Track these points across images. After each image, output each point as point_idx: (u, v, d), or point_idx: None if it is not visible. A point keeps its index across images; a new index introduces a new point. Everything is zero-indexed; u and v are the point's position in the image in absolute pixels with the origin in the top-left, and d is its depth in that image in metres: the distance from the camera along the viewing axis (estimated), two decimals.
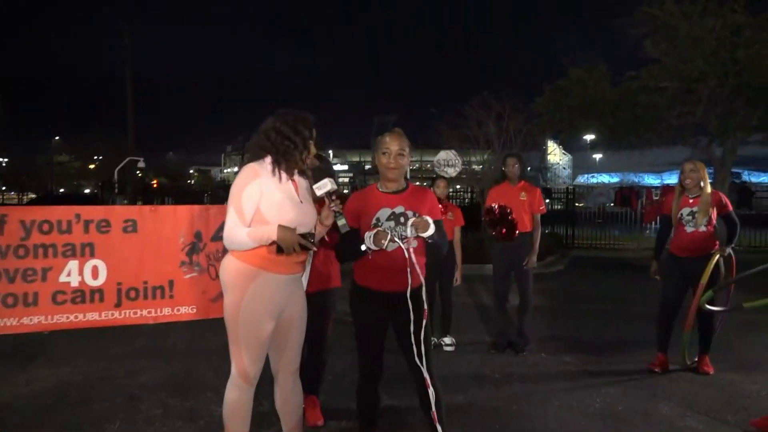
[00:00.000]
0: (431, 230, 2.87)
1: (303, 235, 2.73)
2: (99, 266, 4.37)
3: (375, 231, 2.91)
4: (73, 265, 4.26)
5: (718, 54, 13.14)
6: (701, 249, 4.83)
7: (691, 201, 4.88)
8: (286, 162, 2.84)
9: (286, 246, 2.69)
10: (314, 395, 3.92)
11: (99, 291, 4.38)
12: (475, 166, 16.18)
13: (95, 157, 46.11)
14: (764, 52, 12.54)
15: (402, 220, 3.02)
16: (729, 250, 4.82)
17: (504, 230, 5.20)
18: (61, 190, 47.63)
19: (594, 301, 8.75)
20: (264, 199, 2.76)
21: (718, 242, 4.89)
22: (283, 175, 2.84)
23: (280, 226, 2.69)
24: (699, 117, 14.21)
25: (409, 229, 2.87)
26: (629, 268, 12.78)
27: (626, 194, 17.75)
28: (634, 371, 5.00)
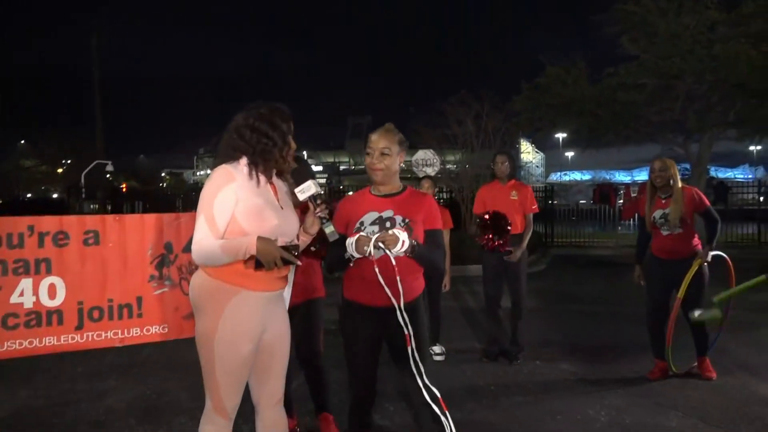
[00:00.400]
0: (400, 246, 2.57)
1: (285, 248, 2.40)
2: (57, 284, 3.91)
3: (356, 236, 2.61)
4: (26, 283, 3.78)
5: (695, 50, 13.11)
6: (681, 251, 4.64)
7: (663, 202, 4.67)
8: (264, 162, 2.51)
9: (266, 261, 2.36)
10: (327, 413, 3.67)
11: (57, 312, 3.91)
12: (449, 166, 15.95)
13: (63, 162, 44.88)
14: (740, 48, 12.54)
15: (388, 225, 2.72)
16: (710, 254, 4.57)
17: (499, 242, 4.94)
18: (29, 195, 46.27)
19: (581, 302, 8.55)
20: (240, 206, 2.42)
21: (699, 242, 4.70)
22: (262, 177, 2.52)
23: (260, 238, 2.36)
24: (677, 113, 14.19)
25: (371, 246, 2.57)
26: (610, 265, 12.68)
27: (605, 191, 17.72)
28: (635, 379, 4.76)
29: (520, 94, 15.76)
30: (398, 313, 2.59)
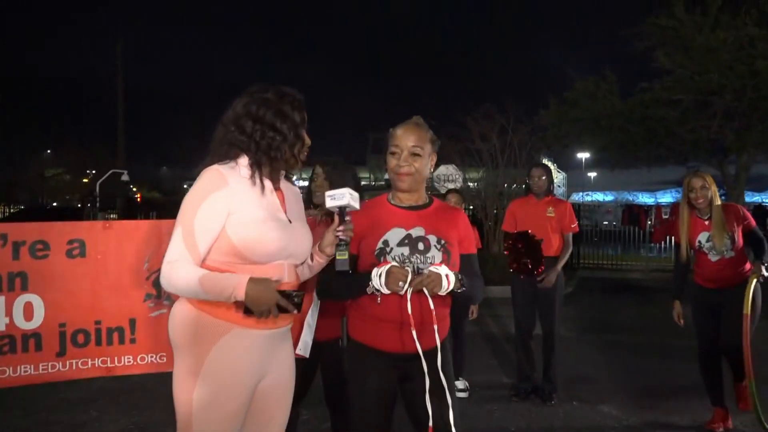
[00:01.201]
0: (445, 285, 2.06)
1: (286, 293, 1.87)
2: (34, 303, 3.33)
3: (388, 266, 2.05)
4: None
5: (736, 66, 12.46)
6: (733, 278, 3.97)
7: (706, 224, 4.03)
8: (270, 163, 2.00)
9: (257, 310, 1.85)
10: None
11: (35, 336, 3.32)
12: (470, 183, 15.38)
13: (88, 171, 45.24)
14: None
15: (421, 247, 2.18)
16: (765, 270, 3.88)
17: (529, 265, 4.38)
18: (54, 204, 46.75)
19: (616, 331, 7.87)
20: (233, 220, 1.91)
21: (748, 263, 4.04)
22: (267, 182, 2.00)
23: (252, 280, 1.84)
24: (714, 132, 13.50)
25: (405, 285, 2.04)
26: (641, 290, 11.97)
27: (635, 213, 16.98)
28: (689, 427, 4.13)
29: (547, 108, 15.21)
30: (425, 366, 2.10)
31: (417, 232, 2.21)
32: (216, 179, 1.92)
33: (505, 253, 4.57)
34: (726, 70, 12.52)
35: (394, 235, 2.19)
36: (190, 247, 1.89)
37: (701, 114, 13.46)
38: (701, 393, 4.27)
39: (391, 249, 2.17)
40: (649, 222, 16.69)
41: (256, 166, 1.98)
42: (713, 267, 4.03)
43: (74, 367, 3.41)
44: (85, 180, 45.85)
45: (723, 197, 16.12)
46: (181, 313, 1.97)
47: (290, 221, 2.05)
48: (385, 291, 2.05)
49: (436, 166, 14.47)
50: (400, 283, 2.02)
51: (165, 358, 3.47)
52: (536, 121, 14.74)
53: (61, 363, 3.34)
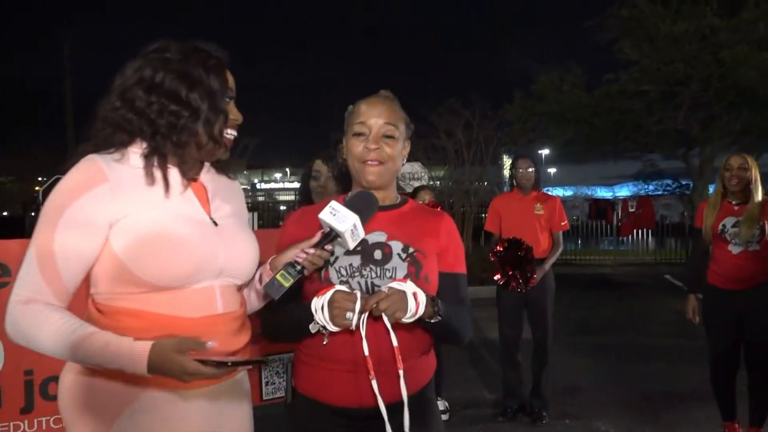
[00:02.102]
0: (412, 311, 1.47)
1: (211, 362, 1.23)
2: None
3: (330, 292, 1.48)
4: None
5: (701, 56, 12.29)
6: (756, 275, 3.43)
7: (736, 209, 3.52)
8: (176, 150, 1.39)
9: (172, 376, 1.25)
10: None
11: None
12: (435, 182, 14.89)
13: (39, 179, 43.31)
14: (749, 53, 11.73)
15: (378, 256, 1.60)
16: None
17: (519, 279, 3.87)
18: (4, 213, 44.68)
19: (598, 332, 7.44)
20: (120, 230, 1.32)
21: None
22: (175, 176, 1.41)
23: (155, 347, 1.23)
24: (680, 123, 13.33)
25: (355, 316, 1.46)
26: (616, 286, 11.72)
27: (601, 207, 16.81)
28: None
29: (512, 103, 14.85)
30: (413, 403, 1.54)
31: (376, 236, 1.63)
32: (89, 174, 1.31)
33: (492, 259, 4.02)
34: (692, 59, 12.35)
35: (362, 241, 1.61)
36: (49, 278, 1.28)
37: (667, 105, 13.30)
38: (701, 401, 3.88)
39: (335, 259, 1.59)
40: (616, 215, 16.52)
41: (155, 155, 1.38)
42: (733, 261, 3.48)
43: (47, 426, 2.65)
44: (36, 188, 43.90)
45: (689, 190, 16.16)
46: (71, 382, 1.38)
47: (216, 224, 1.45)
48: (332, 328, 1.48)
49: None
50: (348, 314, 1.45)
51: None
52: (501, 116, 14.40)
53: (26, 422, 2.58)
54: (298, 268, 1.45)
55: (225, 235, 1.44)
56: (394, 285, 1.48)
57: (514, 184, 4.25)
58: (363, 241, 1.60)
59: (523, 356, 4.23)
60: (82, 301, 1.40)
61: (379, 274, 1.58)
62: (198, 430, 1.39)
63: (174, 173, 1.40)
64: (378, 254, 1.60)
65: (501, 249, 3.98)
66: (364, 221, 1.52)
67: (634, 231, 16.11)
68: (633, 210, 16.15)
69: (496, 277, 4.04)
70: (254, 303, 1.62)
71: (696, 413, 4.08)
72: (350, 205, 1.51)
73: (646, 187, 19.63)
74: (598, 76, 14.11)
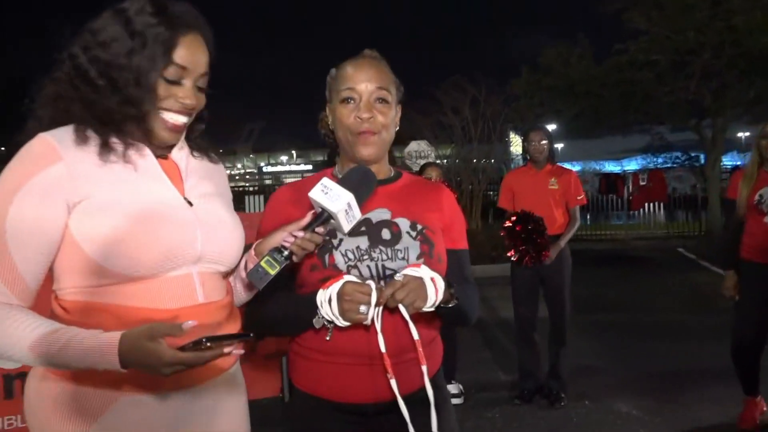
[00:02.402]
0: (432, 295, 1.33)
1: (188, 347, 1.08)
2: None
3: (340, 283, 1.32)
4: None
5: (712, 23, 11.94)
6: None
7: None
8: (128, 120, 1.23)
9: (149, 370, 1.10)
10: None
11: None
12: (441, 160, 14.68)
13: None
14: (764, 19, 11.37)
15: (387, 236, 1.45)
16: None
17: (532, 253, 3.71)
18: None
19: (611, 309, 7.29)
20: (80, 214, 1.17)
21: None
22: (140, 153, 1.26)
23: (125, 338, 1.08)
24: (691, 93, 13.00)
25: (371, 310, 1.30)
26: (628, 261, 11.54)
27: (611, 180, 16.57)
28: (722, 425, 3.55)
29: (519, 77, 14.57)
30: (410, 427, 1.37)
31: (379, 214, 1.48)
32: (41, 153, 1.17)
33: (502, 235, 3.88)
34: (703, 27, 11.99)
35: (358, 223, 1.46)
36: (4, 273, 1.14)
37: (678, 75, 12.96)
38: (721, 378, 3.74)
39: (340, 242, 1.43)
40: (627, 189, 16.28)
41: (106, 130, 1.22)
42: None
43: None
44: None
45: (698, 162, 15.88)
46: (36, 390, 1.24)
47: (190, 203, 1.30)
48: (343, 323, 1.33)
49: (407, 143, 13.44)
50: (362, 308, 1.30)
51: None
52: (509, 91, 14.14)
53: None
54: (286, 253, 1.28)
55: (202, 216, 1.29)
56: (409, 271, 1.34)
57: (527, 158, 4.08)
58: (367, 221, 1.45)
59: (539, 336, 4.10)
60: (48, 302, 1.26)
61: (390, 256, 1.43)
62: None
63: (139, 150, 1.26)
64: (386, 234, 1.46)
65: (510, 223, 3.83)
66: (360, 200, 1.36)
67: (646, 204, 15.86)
68: (644, 183, 15.91)
69: (509, 253, 3.89)
70: (241, 293, 1.47)
71: (717, 391, 3.95)
72: (344, 182, 1.34)
73: (654, 160, 19.35)
74: (605, 47, 13.80)
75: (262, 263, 1.27)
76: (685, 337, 5.55)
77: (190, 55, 1.25)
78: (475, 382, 4.40)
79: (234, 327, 1.36)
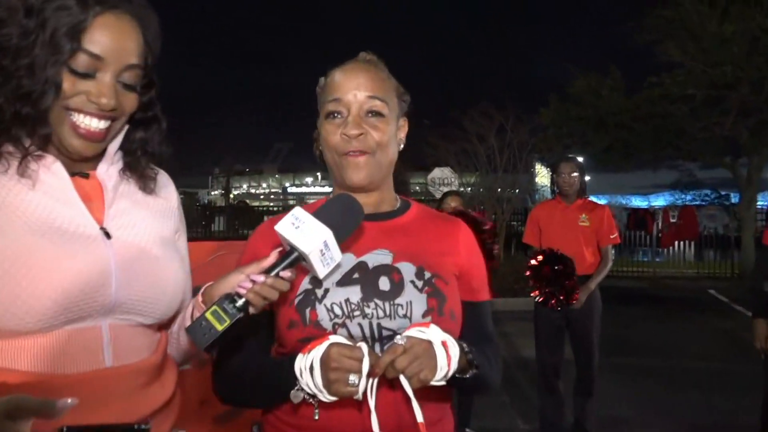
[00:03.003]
0: (443, 365, 1.06)
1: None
2: None
3: (324, 347, 1.05)
4: None
5: (752, 57, 11.56)
6: None
7: None
8: (21, 127, 0.98)
9: None
10: None
11: None
12: (464, 188, 14.37)
13: None
14: None
15: (386, 286, 1.18)
16: None
17: (561, 297, 3.41)
18: None
19: (641, 352, 6.86)
20: None
21: None
22: (47, 167, 1.02)
23: None
24: (727, 129, 12.57)
25: (362, 380, 1.03)
26: (654, 301, 11.05)
27: (640, 216, 16.06)
28: None
29: (547, 107, 14.28)
30: None
31: (377, 257, 1.21)
32: None
33: (527, 274, 3.58)
34: (741, 61, 11.62)
35: (337, 271, 1.18)
36: None
37: (714, 110, 12.56)
38: None
39: (325, 293, 1.16)
40: (656, 226, 15.77)
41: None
42: None
43: None
44: None
45: (736, 200, 15.30)
46: None
47: (108, 235, 1.03)
48: (328, 398, 1.06)
49: (430, 170, 13.25)
50: (352, 378, 1.02)
51: None
52: (536, 120, 13.85)
53: None
54: (240, 303, 1.01)
55: (121, 252, 1.02)
56: (414, 333, 1.07)
57: (556, 191, 3.80)
58: (361, 266, 1.18)
59: (563, 384, 3.76)
60: None
61: (388, 312, 1.16)
62: None
63: (44, 162, 1.00)
64: (385, 283, 1.18)
65: (537, 263, 3.54)
66: (341, 238, 1.08)
67: (675, 243, 15.33)
68: (674, 220, 15.38)
69: (534, 293, 3.59)
70: (185, 348, 1.18)
71: None
72: (322, 214, 1.07)
73: (683, 197, 18.80)
74: (636, 79, 13.49)
75: (208, 315, 0.99)
76: (721, 388, 5.13)
77: (109, 40, 0.99)
78: (492, 430, 4.06)
79: (161, 394, 1.08)
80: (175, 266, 1.12)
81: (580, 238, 3.63)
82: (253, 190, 76.38)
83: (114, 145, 1.09)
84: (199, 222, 22.43)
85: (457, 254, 1.28)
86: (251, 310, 1.03)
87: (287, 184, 76.39)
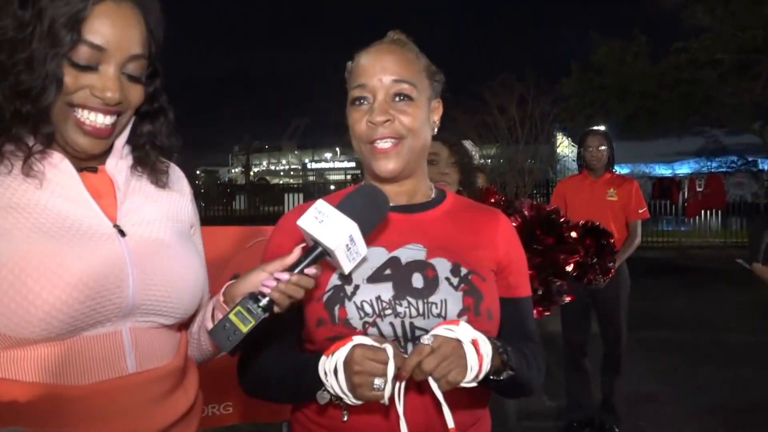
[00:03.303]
0: (474, 366, 0.98)
1: None
2: None
3: (348, 348, 0.98)
4: None
5: None
6: None
7: None
8: (23, 125, 0.93)
9: None
10: None
11: None
12: (485, 160, 14.18)
13: None
14: None
15: (419, 283, 1.11)
16: None
17: (598, 272, 3.21)
18: None
19: (669, 325, 6.75)
20: None
21: None
22: (55, 163, 0.97)
23: None
24: (757, 94, 12.20)
25: (388, 385, 0.96)
26: (684, 271, 10.88)
27: (666, 185, 15.74)
28: None
29: (570, 76, 13.99)
30: None
31: (410, 253, 1.14)
32: None
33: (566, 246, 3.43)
34: None
35: (366, 266, 1.11)
36: None
37: (743, 75, 12.19)
38: None
39: (355, 290, 1.10)
40: (682, 195, 15.44)
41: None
42: None
43: None
44: None
45: (764, 166, 14.93)
46: None
47: (122, 233, 0.98)
48: (353, 401, 1.00)
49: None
50: (377, 382, 0.96)
51: (232, 409, 2.37)
52: (558, 90, 13.59)
53: None
54: (264, 302, 0.96)
55: (138, 250, 0.98)
56: (442, 331, 1.00)
57: (583, 164, 3.68)
58: (393, 261, 1.12)
59: (591, 362, 3.70)
60: None
61: (422, 311, 1.10)
62: None
63: (49, 160, 0.95)
64: (418, 280, 1.12)
65: (576, 235, 3.33)
66: (366, 231, 1.03)
67: (702, 211, 15.02)
68: (701, 189, 15.05)
69: (568, 266, 3.42)
70: (208, 350, 1.14)
71: None
72: (345, 207, 1.02)
73: (708, 164, 18.38)
74: (662, 45, 13.15)
75: (231, 316, 0.94)
76: (754, 361, 5.02)
77: (110, 29, 0.93)
78: (518, 408, 4.02)
79: (183, 402, 1.03)
80: (194, 262, 1.07)
81: (608, 214, 3.51)
82: (273, 167, 76.74)
83: (121, 140, 1.04)
84: (220, 200, 22.57)
85: (494, 248, 1.21)
86: (275, 309, 0.98)
87: (306, 161, 76.56)
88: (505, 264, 1.21)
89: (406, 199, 1.20)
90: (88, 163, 1.01)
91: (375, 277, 1.10)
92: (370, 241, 1.09)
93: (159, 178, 1.09)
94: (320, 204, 1.00)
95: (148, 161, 1.07)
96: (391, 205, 1.13)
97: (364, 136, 1.14)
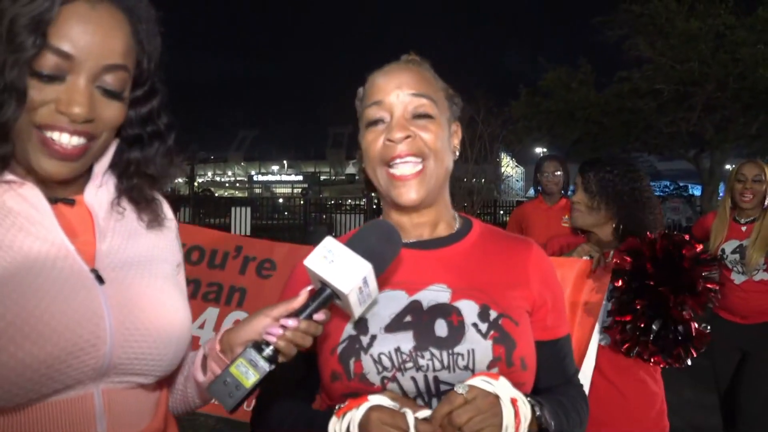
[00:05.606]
0: (511, 428, 0.87)
1: None
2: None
3: (364, 409, 0.88)
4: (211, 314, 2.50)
5: (718, 54, 11.78)
6: (763, 311, 3.00)
7: (743, 230, 3.09)
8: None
9: None
10: None
11: None
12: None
13: None
14: None
15: (442, 331, 0.99)
16: None
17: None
18: None
19: None
20: None
21: None
22: (24, 195, 0.83)
23: None
24: (693, 124, 12.83)
25: None
26: None
27: None
28: None
29: (518, 99, 14.34)
30: None
31: (433, 295, 1.02)
32: None
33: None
34: (707, 58, 11.84)
35: (383, 307, 1.01)
36: None
37: (680, 106, 12.79)
38: None
39: (372, 340, 0.98)
40: None
41: None
42: (736, 291, 3.05)
43: None
44: None
45: (699, 192, 15.67)
46: None
47: (101, 279, 0.84)
48: None
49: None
50: None
51: None
52: (507, 113, 13.88)
53: None
54: (268, 352, 0.85)
55: (119, 300, 0.84)
56: (478, 382, 0.88)
57: (540, 189, 3.72)
58: (414, 306, 1.00)
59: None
60: None
61: (446, 364, 0.97)
62: None
63: (16, 188, 0.82)
64: (442, 327, 0.99)
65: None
66: (379, 271, 0.92)
67: None
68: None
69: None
70: (193, 401, 1.02)
71: None
72: (356, 244, 0.91)
73: None
74: (606, 74, 13.67)
75: (233, 369, 0.83)
76: None
77: (81, 34, 0.79)
78: None
79: None
80: (180, 312, 0.93)
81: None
82: (218, 179, 75.21)
83: (102, 165, 0.90)
84: None
85: (527, 286, 1.08)
86: (280, 359, 0.87)
87: (253, 172, 75.39)
88: (541, 303, 1.09)
89: (429, 230, 1.10)
90: (63, 191, 0.86)
91: (393, 326, 0.99)
92: (388, 283, 0.99)
93: (146, 213, 0.96)
94: (329, 242, 0.90)
95: (135, 193, 0.94)
96: (411, 239, 1.04)
97: (381, 156, 1.03)
